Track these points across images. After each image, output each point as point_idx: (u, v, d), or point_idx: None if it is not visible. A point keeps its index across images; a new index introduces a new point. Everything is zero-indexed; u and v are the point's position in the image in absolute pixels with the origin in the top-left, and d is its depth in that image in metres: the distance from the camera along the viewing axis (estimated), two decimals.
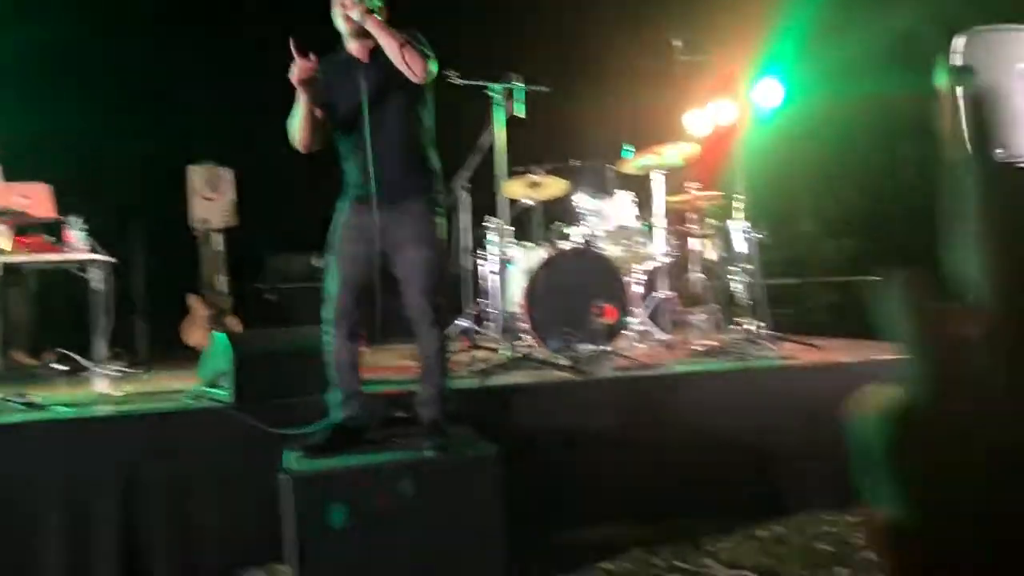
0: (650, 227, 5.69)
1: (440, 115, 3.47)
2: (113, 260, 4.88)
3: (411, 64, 3.16)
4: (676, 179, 5.94)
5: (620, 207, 5.69)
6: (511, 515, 3.08)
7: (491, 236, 5.58)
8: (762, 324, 5.29)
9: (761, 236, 5.65)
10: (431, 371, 3.35)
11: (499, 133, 4.87)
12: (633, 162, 5.78)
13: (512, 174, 5.38)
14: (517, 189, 5.67)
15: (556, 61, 6.40)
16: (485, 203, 5.46)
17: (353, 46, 3.37)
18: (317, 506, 2.91)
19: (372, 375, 3.89)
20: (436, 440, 3.17)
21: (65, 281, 4.88)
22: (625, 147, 5.89)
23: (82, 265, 4.72)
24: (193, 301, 6.70)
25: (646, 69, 7.20)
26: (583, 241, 5.44)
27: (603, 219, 5.61)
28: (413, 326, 3.33)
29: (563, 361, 4.51)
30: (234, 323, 6.74)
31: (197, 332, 6.54)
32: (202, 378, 3.95)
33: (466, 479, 3.10)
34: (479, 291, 5.86)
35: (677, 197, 5.88)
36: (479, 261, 5.92)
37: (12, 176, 5.27)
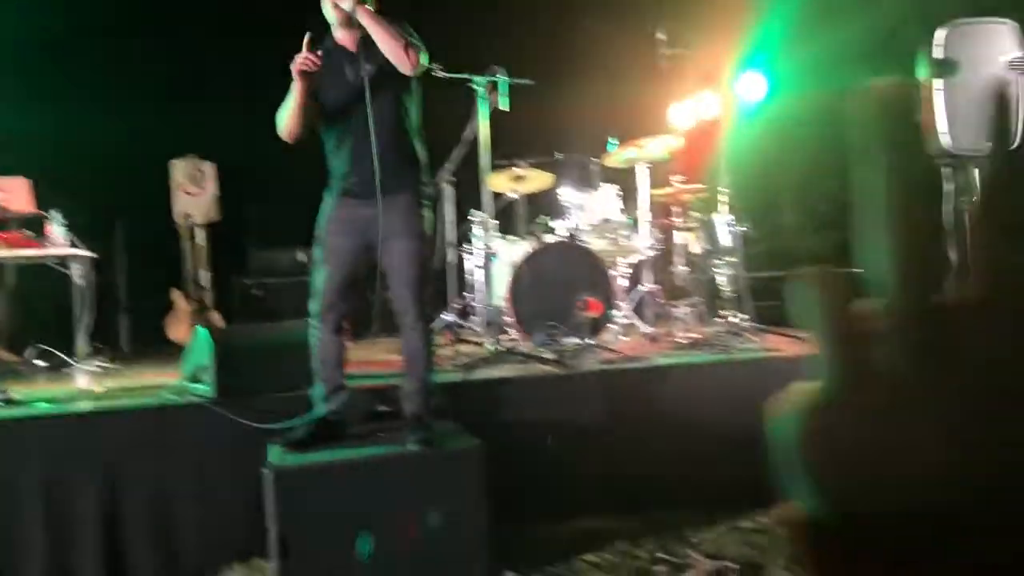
0: (634, 220, 5.69)
1: (424, 108, 3.46)
2: (94, 255, 4.84)
3: (403, 56, 3.15)
4: (661, 172, 5.95)
5: (605, 200, 5.68)
6: (495, 508, 3.09)
7: (475, 230, 5.57)
8: (746, 317, 5.31)
9: (745, 229, 5.67)
10: (415, 365, 3.34)
11: (483, 126, 4.86)
12: (616, 155, 5.78)
13: (496, 167, 5.37)
14: (501, 182, 5.66)
15: (540, 54, 6.38)
16: (469, 197, 5.45)
17: (341, 35, 3.34)
18: (300, 500, 2.91)
19: (357, 369, 3.87)
20: (420, 434, 3.17)
21: (46, 277, 4.84)
22: (610, 140, 5.89)
23: (62, 260, 4.69)
24: (176, 296, 6.65)
25: (630, 62, 7.19)
26: (567, 234, 5.44)
27: (587, 212, 5.61)
28: (398, 319, 3.32)
29: (547, 355, 4.51)
30: (217, 318, 6.70)
31: (181, 327, 6.50)
32: (184, 373, 3.93)
33: (450, 473, 3.10)
34: (463, 285, 5.84)
35: (662, 190, 5.88)
36: (463, 255, 5.91)
37: None
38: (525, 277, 5.08)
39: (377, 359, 4.90)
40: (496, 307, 5.22)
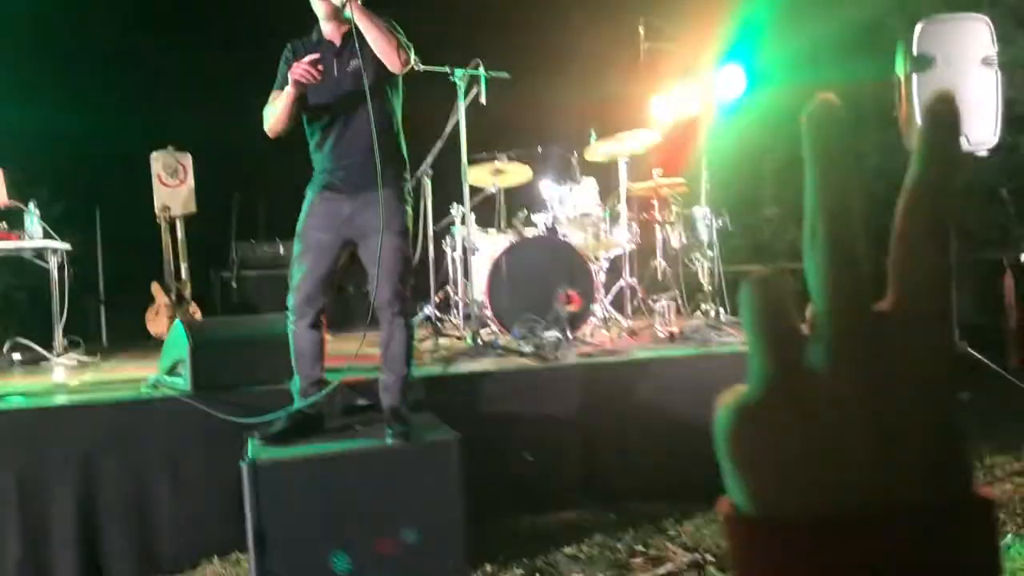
0: (615, 214, 5.70)
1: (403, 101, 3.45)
2: (68, 247, 4.80)
3: (394, 55, 3.14)
4: (642, 166, 5.96)
5: (584, 194, 5.69)
6: (474, 501, 3.09)
7: (455, 223, 5.57)
8: (724, 310, 5.34)
9: (723, 222, 5.70)
10: (394, 359, 3.34)
11: (462, 120, 4.85)
12: (596, 149, 5.78)
13: (476, 161, 5.37)
14: (481, 176, 5.66)
15: (520, 47, 6.38)
16: (449, 190, 5.44)
17: (327, 28, 3.32)
18: (277, 494, 2.90)
19: (335, 363, 3.87)
20: (398, 427, 3.17)
21: (21, 269, 4.80)
22: (592, 134, 5.90)
23: (40, 253, 4.65)
24: (156, 290, 6.61)
25: (611, 56, 7.21)
26: (547, 228, 5.45)
27: (567, 206, 5.61)
28: (378, 313, 3.32)
29: (526, 348, 4.52)
30: (196, 311, 6.67)
31: (160, 321, 6.46)
32: (162, 367, 3.91)
33: (428, 466, 3.10)
34: (443, 278, 5.84)
35: (642, 184, 5.90)
36: (443, 248, 5.90)
37: None
38: (504, 271, 5.08)
39: (355, 352, 4.88)
40: (475, 300, 5.23)
